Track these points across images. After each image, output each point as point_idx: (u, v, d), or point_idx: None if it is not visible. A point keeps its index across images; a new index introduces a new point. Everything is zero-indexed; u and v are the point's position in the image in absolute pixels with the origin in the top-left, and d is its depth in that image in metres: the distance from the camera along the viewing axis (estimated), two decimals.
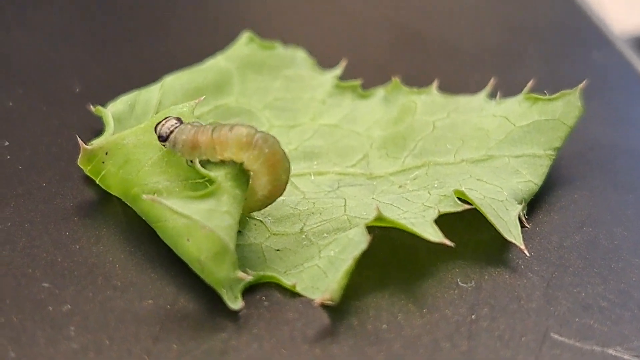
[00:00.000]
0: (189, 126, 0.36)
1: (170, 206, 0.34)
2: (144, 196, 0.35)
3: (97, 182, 0.39)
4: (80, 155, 0.38)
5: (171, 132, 0.36)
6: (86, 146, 0.38)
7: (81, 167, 0.38)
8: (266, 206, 0.37)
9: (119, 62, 0.48)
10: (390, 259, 0.38)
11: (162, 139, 0.36)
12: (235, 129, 0.35)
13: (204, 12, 0.52)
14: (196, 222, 0.35)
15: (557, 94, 0.42)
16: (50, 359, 0.33)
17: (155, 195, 0.36)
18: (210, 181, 0.35)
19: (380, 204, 0.38)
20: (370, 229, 0.36)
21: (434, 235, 0.36)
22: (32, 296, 0.35)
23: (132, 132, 0.38)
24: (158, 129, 0.36)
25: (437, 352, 0.34)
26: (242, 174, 0.36)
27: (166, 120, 0.37)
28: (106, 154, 0.38)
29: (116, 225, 0.38)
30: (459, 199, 0.38)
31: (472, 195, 0.38)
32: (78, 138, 0.38)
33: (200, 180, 0.36)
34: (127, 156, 0.38)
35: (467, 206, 0.38)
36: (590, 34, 0.52)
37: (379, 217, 0.36)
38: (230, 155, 0.35)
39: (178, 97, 0.43)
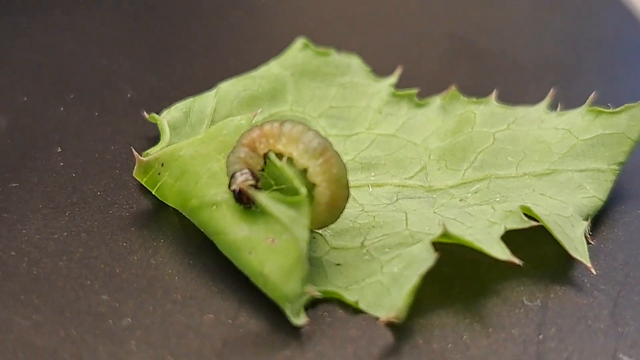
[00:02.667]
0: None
1: (263, 202, 0.33)
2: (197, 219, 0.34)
3: (154, 193, 0.38)
4: (135, 167, 0.38)
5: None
6: (141, 158, 0.38)
7: (137, 178, 0.38)
8: (326, 226, 0.36)
9: (171, 69, 0.47)
10: (453, 275, 0.37)
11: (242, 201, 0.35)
12: (308, 134, 0.35)
13: (257, 18, 0.52)
14: (259, 235, 0.34)
15: (622, 107, 0.41)
16: None
17: (215, 207, 0.36)
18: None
19: (444, 219, 0.37)
20: (434, 244, 0.35)
21: (502, 253, 0.35)
22: (91, 309, 0.34)
23: (189, 143, 0.37)
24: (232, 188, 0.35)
25: None
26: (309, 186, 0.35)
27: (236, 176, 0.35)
28: (162, 165, 0.37)
29: (174, 236, 0.37)
30: (525, 214, 0.37)
31: (538, 212, 0.37)
32: (133, 150, 0.38)
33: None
34: (184, 167, 0.37)
35: (534, 223, 0.37)
36: None
37: (445, 234, 0.35)
38: (295, 154, 0.35)
39: (233, 105, 0.42)
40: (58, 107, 0.44)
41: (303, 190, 0.34)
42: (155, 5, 0.52)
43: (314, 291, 0.34)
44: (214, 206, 0.36)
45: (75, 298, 0.34)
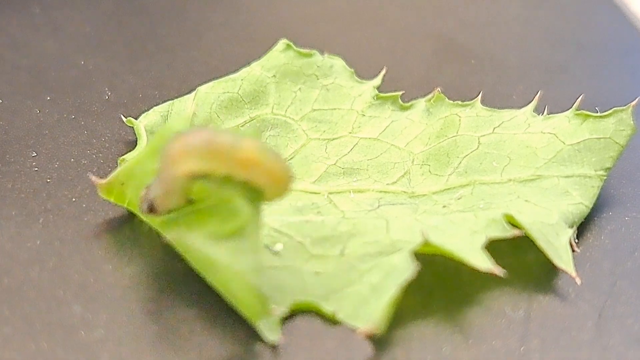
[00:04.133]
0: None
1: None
2: (165, 237, 0.34)
3: (126, 208, 0.37)
4: (98, 190, 0.36)
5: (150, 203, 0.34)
6: (101, 181, 0.36)
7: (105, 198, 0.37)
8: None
9: (151, 70, 0.46)
10: (434, 285, 0.36)
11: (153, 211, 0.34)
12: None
13: (239, 19, 0.51)
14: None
15: (609, 111, 0.40)
16: None
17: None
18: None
19: (425, 228, 0.36)
20: (415, 254, 0.34)
21: (483, 263, 0.34)
22: (63, 321, 0.33)
23: (139, 159, 0.36)
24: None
25: None
26: (254, 194, 0.33)
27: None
28: (122, 184, 0.36)
29: (149, 245, 0.36)
30: (508, 222, 0.36)
31: (522, 220, 0.36)
32: (90, 175, 0.37)
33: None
34: (142, 183, 0.36)
35: (516, 232, 0.36)
36: None
37: (426, 243, 0.35)
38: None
39: (213, 108, 0.42)
40: (33, 109, 0.43)
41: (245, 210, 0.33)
42: (135, 4, 0.51)
43: (280, 310, 0.33)
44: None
45: (47, 309, 0.34)
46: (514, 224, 0.37)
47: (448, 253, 0.35)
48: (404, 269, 0.34)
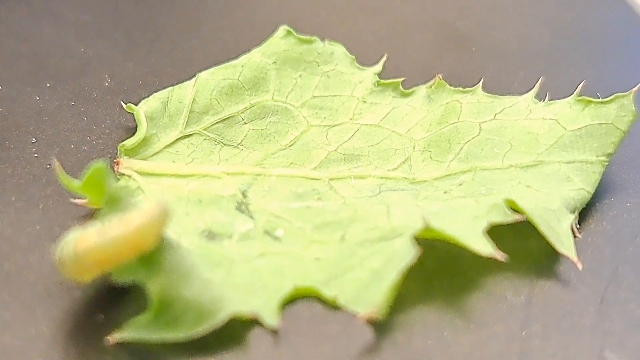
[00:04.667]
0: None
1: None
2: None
3: None
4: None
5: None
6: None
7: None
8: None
9: (151, 56, 0.46)
10: (436, 270, 0.36)
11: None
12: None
13: (239, 5, 0.51)
14: None
15: (611, 97, 0.40)
16: None
17: None
18: None
19: (426, 213, 0.36)
20: (416, 239, 0.34)
21: (485, 248, 0.34)
22: (64, 306, 0.33)
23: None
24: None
25: None
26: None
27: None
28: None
29: None
30: (510, 208, 0.36)
31: (523, 205, 0.36)
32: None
33: None
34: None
35: (518, 217, 0.36)
36: None
37: (427, 228, 0.34)
38: None
39: (213, 95, 0.41)
40: (33, 95, 0.43)
41: None
42: None
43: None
44: None
45: (47, 295, 0.33)
46: (515, 209, 0.36)
47: (449, 238, 0.35)
48: (405, 254, 0.34)
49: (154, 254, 0.32)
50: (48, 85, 0.43)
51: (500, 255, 0.34)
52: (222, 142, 0.40)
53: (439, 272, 0.36)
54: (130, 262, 0.32)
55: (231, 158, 0.40)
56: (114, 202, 0.33)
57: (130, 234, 0.31)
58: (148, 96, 0.41)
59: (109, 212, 0.33)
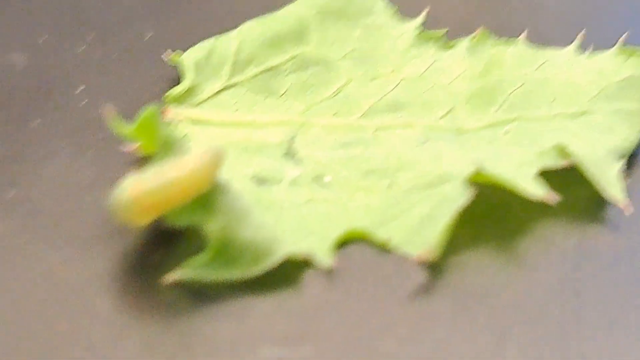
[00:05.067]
0: None
1: None
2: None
3: None
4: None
5: None
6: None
7: None
8: None
9: (191, 9, 0.46)
10: (484, 216, 0.36)
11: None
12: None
13: None
14: None
15: None
16: None
17: None
18: None
19: (477, 158, 0.36)
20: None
21: (537, 190, 0.34)
22: (119, 247, 0.33)
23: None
24: None
25: (542, 313, 0.33)
26: None
27: None
28: None
29: None
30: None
31: (573, 151, 0.36)
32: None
33: None
34: None
35: (567, 163, 0.36)
36: None
37: (479, 172, 0.35)
38: None
39: (255, 45, 0.42)
40: (78, 46, 0.43)
41: None
42: None
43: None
44: None
45: (103, 236, 0.34)
46: (564, 155, 0.36)
47: (501, 182, 0.35)
48: (458, 196, 0.34)
49: (210, 197, 0.33)
50: (91, 36, 0.44)
51: (552, 198, 0.34)
52: (266, 92, 0.41)
53: (488, 218, 0.36)
54: (186, 205, 0.32)
55: (276, 108, 0.40)
56: (167, 147, 0.33)
57: (185, 177, 0.31)
58: (191, 47, 0.41)
59: (163, 157, 0.33)
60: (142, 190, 0.31)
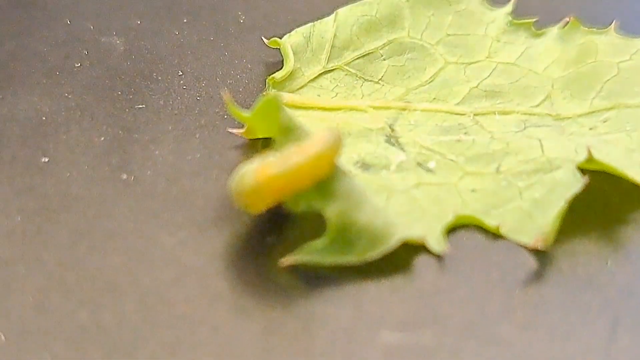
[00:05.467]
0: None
1: None
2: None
3: None
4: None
5: None
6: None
7: None
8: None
9: None
10: (588, 205, 0.36)
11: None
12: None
13: None
14: None
15: None
16: None
17: None
18: None
19: (586, 145, 0.36)
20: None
21: None
22: (234, 228, 0.34)
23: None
24: None
25: None
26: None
27: None
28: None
29: None
30: None
31: None
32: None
33: None
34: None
35: None
36: None
37: (590, 159, 0.35)
38: None
39: (352, 30, 0.42)
40: (173, 30, 0.43)
41: None
42: None
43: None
44: None
45: (218, 217, 0.34)
46: None
47: (611, 169, 0.35)
48: (570, 184, 0.34)
49: (329, 181, 0.33)
50: (185, 20, 0.44)
51: None
52: (364, 78, 0.41)
53: (592, 207, 0.36)
54: (306, 191, 0.32)
55: (374, 93, 0.40)
56: (288, 131, 0.34)
57: (309, 161, 0.32)
58: (282, 33, 0.42)
59: (284, 141, 0.33)
60: (268, 176, 0.31)
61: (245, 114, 0.35)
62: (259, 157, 0.32)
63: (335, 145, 0.32)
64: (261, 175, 0.32)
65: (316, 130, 0.35)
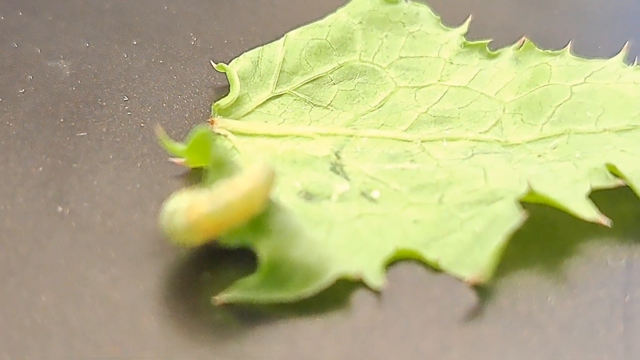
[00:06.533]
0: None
1: None
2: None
3: None
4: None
5: None
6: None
7: None
8: None
9: (235, 15, 0.46)
10: (532, 235, 0.36)
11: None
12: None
13: None
14: None
15: None
16: None
17: None
18: None
19: (527, 176, 0.36)
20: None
21: (589, 212, 0.34)
22: (169, 263, 0.33)
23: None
24: None
25: (592, 336, 0.32)
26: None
27: None
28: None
29: None
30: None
31: (623, 169, 0.36)
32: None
33: None
34: None
35: (619, 181, 0.36)
36: None
37: (530, 192, 0.34)
38: None
39: (302, 55, 0.41)
40: (121, 53, 0.43)
41: None
42: None
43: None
44: None
45: (153, 252, 0.34)
46: (615, 173, 0.36)
47: (552, 202, 0.35)
48: (509, 217, 0.34)
49: (263, 216, 0.32)
50: (134, 42, 0.43)
51: (604, 220, 0.34)
52: (312, 103, 0.40)
53: (536, 237, 0.36)
54: (239, 226, 0.32)
55: (322, 119, 0.40)
56: (219, 166, 0.33)
57: (241, 198, 0.31)
58: (234, 55, 0.41)
59: (214, 175, 0.33)
60: (199, 215, 0.31)
61: (180, 147, 0.34)
62: (189, 194, 0.32)
63: (268, 180, 0.32)
64: (192, 214, 0.31)
65: (249, 164, 0.34)
